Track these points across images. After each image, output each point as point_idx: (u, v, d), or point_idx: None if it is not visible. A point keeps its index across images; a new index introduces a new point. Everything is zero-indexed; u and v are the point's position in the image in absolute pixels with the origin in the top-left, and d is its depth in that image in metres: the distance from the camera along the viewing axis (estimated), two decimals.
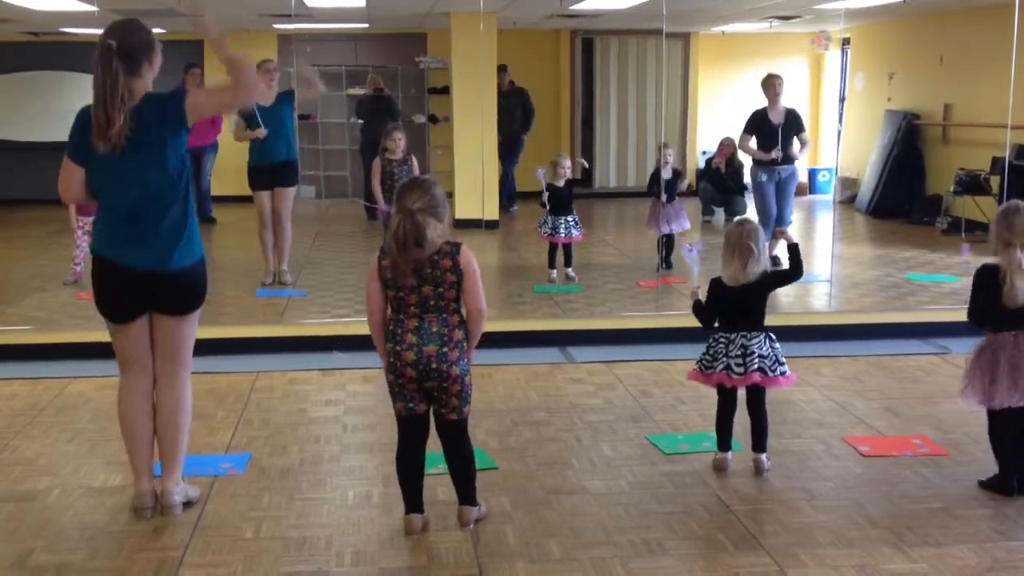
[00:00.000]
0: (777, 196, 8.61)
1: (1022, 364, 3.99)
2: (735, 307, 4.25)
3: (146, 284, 3.74)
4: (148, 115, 3.64)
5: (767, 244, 4.33)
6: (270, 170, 7.98)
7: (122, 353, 3.89)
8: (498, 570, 3.46)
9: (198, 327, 3.97)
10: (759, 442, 4.33)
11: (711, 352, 4.29)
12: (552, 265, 8.22)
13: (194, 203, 3.86)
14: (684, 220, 8.62)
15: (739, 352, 4.20)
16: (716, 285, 4.32)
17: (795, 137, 8.50)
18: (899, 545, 3.63)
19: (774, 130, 8.40)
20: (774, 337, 4.27)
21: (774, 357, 4.23)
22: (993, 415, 4.12)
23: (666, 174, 8.40)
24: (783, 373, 4.25)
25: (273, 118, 7.91)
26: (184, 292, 3.81)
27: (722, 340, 4.26)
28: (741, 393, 4.33)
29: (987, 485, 4.14)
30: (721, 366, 4.23)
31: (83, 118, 3.68)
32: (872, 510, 3.93)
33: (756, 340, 4.21)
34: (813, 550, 3.59)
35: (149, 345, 3.88)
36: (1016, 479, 4.06)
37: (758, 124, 8.50)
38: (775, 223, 8.52)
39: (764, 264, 4.25)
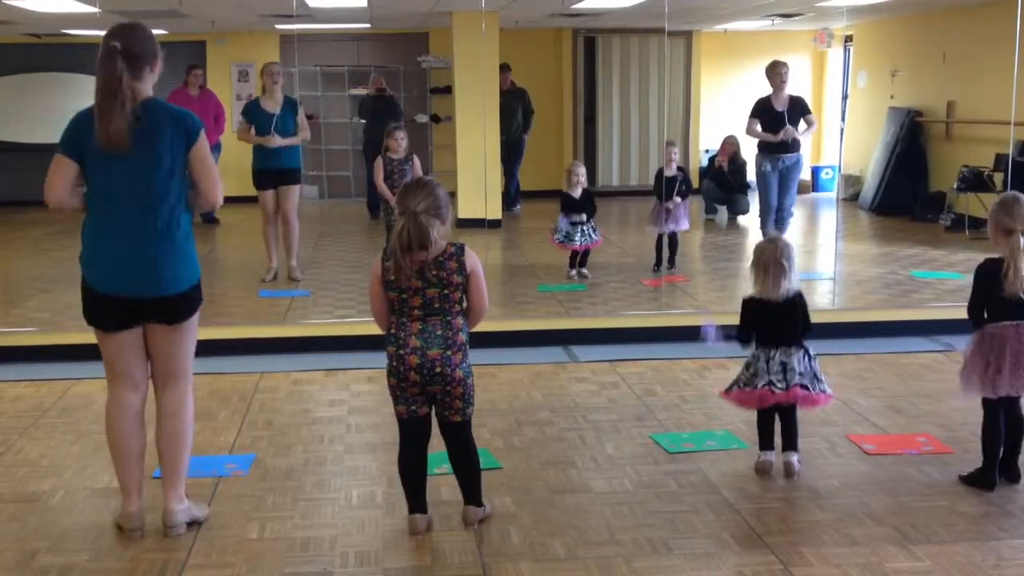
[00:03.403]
0: (780, 185, 8.59)
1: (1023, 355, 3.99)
2: (771, 323, 4.19)
3: (138, 305, 3.62)
4: (162, 122, 3.55)
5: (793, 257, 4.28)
6: (273, 174, 8.08)
7: (111, 364, 3.71)
8: (502, 570, 3.46)
9: (200, 329, 3.83)
10: (790, 441, 4.26)
11: (751, 370, 4.21)
12: (572, 266, 8.25)
13: (191, 224, 3.69)
14: (684, 221, 8.60)
15: (779, 368, 4.14)
16: (750, 302, 4.25)
17: (801, 119, 8.47)
18: (904, 543, 3.62)
19: (778, 117, 8.40)
20: (812, 354, 4.21)
21: (812, 373, 4.17)
22: (989, 408, 4.11)
23: (669, 172, 8.38)
24: (823, 391, 4.19)
25: (277, 125, 7.97)
26: (179, 310, 3.65)
27: (761, 356, 4.19)
28: None
29: (969, 480, 4.14)
30: (763, 382, 4.15)
31: (84, 116, 3.57)
32: (877, 508, 3.93)
33: (795, 356, 4.15)
34: (818, 548, 3.59)
35: (142, 356, 3.71)
36: (998, 472, 4.08)
37: (762, 110, 8.50)
38: (775, 213, 8.54)
39: (796, 282, 4.20)
